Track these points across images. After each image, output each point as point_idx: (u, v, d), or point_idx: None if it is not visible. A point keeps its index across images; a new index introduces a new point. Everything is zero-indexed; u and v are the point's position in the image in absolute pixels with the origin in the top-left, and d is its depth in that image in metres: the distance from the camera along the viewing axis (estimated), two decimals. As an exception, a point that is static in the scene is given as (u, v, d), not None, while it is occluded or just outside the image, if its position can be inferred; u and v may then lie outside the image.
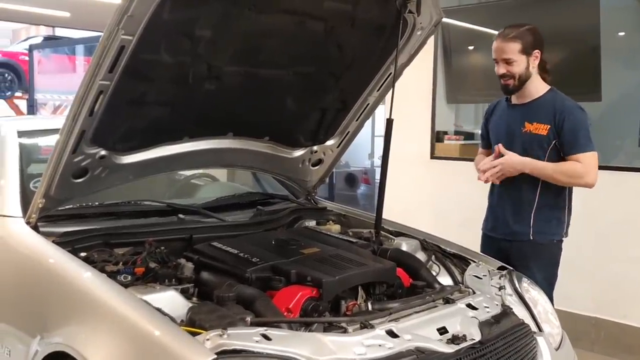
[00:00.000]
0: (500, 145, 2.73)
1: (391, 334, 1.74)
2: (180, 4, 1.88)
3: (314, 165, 2.90)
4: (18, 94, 11.11)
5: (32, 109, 9.85)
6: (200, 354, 1.49)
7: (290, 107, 2.54)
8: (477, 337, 1.86)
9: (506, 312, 2.08)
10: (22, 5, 9.41)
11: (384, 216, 2.67)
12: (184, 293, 1.90)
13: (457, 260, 2.48)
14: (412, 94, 4.51)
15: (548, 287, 2.68)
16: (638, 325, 3.75)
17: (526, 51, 2.67)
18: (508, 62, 2.67)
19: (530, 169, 2.67)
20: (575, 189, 2.79)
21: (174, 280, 1.97)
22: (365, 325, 1.76)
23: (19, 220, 2.16)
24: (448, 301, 2.04)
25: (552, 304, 2.63)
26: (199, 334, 1.58)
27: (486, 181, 2.76)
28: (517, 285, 2.30)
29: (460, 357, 1.76)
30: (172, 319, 1.66)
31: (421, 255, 2.49)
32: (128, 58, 1.84)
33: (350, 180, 8.61)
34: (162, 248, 2.15)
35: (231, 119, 2.46)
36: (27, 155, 2.58)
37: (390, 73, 2.56)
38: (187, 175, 3.19)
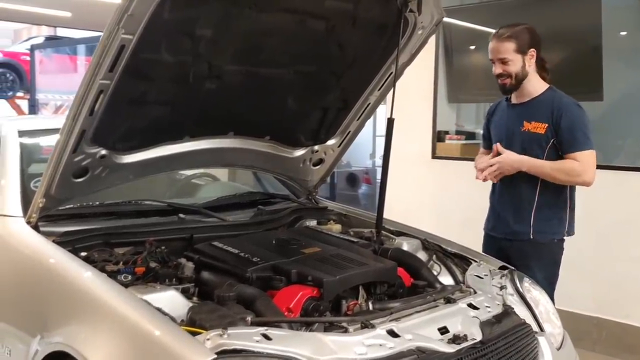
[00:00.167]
0: (497, 144, 2.74)
1: (392, 333, 1.74)
2: (181, 3, 1.87)
3: (315, 164, 2.89)
4: (20, 94, 11.13)
5: (34, 109, 9.86)
6: (201, 354, 1.49)
7: (291, 107, 2.54)
8: (478, 336, 1.86)
9: (507, 311, 2.08)
10: (24, 5, 9.41)
11: (385, 216, 2.66)
12: (185, 293, 1.89)
13: (458, 259, 2.48)
14: (413, 94, 4.51)
15: (549, 287, 2.67)
16: (640, 325, 3.75)
17: (521, 50, 2.67)
18: (504, 61, 2.68)
19: (528, 167, 2.67)
20: (577, 189, 2.78)
21: (174, 280, 1.97)
22: (366, 325, 1.75)
23: (20, 219, 2.16)
24: (449, 301, 2.03)
25: (553, 304, 2.63)
26: (199, 333, 1.58)
27: (484, 180, 2.77)
28: (518, 285, 2.30)
29: (461, 357, 1.76)
30: (173, 319, 1.66)
31: (422, 255, 2.48)
32: (128, 57, 1.83)
33: (351, 180, 8.60)
34: (163, 248, 2.14)
35: (232, 118, 2.45)
36: (27, 155, 2.59)
37: (392, 72, 2.56)
38: (188, 174, 3.19)
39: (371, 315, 1.83)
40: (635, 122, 4.04)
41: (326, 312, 1.89)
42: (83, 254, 2.03)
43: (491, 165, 2.71)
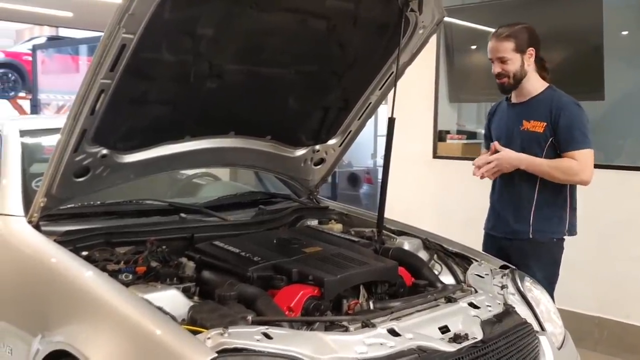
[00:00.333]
0: (495, 142, 2.75)
1: (393, 332, 1.74)
2: (182, 2, 1.88)
3: (316, 164, 2.90)
4: (21, 94, 11.14)
5: (36, 109, 9.87)
6: (201, 353, 1.49)
7: (292, 106, 2.54)
8: (479, 336, 1.86)
9: (508, 311, 2.08)
10: (25, 6, 9.43)
11: (386, 215, 2.66)
12: (186, 292, 1.89)
13: (459, 259, 2.47)
14: (414, 93, 4.51)
15: (548, 286, 2.67)
16: (641, 324, 3.75)
17: (520, 49, 2.68)
18: (502, 60, 2.69)
19: (526, 164, 2.67)
20: (578, 188, 2.78)
21: (175, 279, 1.97)
22: (367, 324, 1.76)
23: (21, 219, 2.16)
24: (450, 300, 2.03)
25: (553, 303, 2.63)
26: (200, 332, 1.58)
27: (481, 177, 2.77)
28: (519, 284, 2.29)
29: (462, 356, 1.76)
30: (173, 318, 1.66)
31: (423, 254, 2.48)
32: (129, 57, 1.83)
33: (352, 179, 8.61)
34: (164, 247, 2.15)
35: (233, 117, 2.46)
36: (29, 155, 2.59)
37: (393, 72, 2.56)
38: (189, 174, 3.19)
39: (372, 315, 1.83)
40: (637, 121, 4.03)
41: (327, 312, 1.89)
42: (84, 253, 2.03)
43: (489, 163, 2.71)
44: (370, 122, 2.88)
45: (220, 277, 1.98)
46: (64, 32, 12.67)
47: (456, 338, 1.80)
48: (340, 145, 2.86)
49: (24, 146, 2.56)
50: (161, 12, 1.81)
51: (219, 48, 2.12)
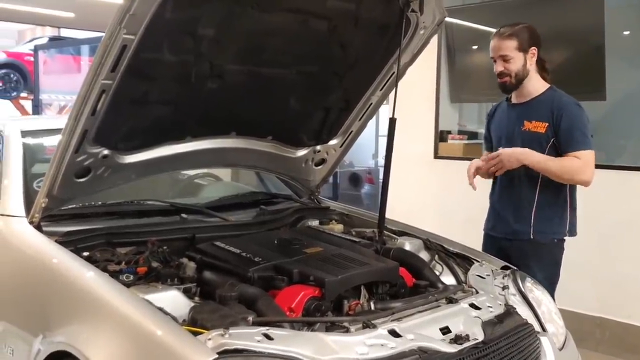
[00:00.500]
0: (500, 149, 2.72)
1: (393, 333, 1.74)
2: (183, 2, 1.87)
3: (317, 164, 2.90)
4: (23, 94, 11.15)
5: (37, 109, 9.88)
6: (202, 354, 1.49)
7: (293, 107, 2.54)
8: (480, 337, 1.86)
9: (509, 311, 2.08)
10: (27, 6, 9.44)
11: (387, 216, 2.66)
12: (186, 292, 1.89)
13: (460, 259, 2.47)
14: (415, 94, 4.51)
15: (549, 287, 2.66)
16: (643, 325, 3.74)
17: (523, 48, 2.67)
18: (505, 59, 2.68)
19: (530, 160, 2.64)
20: (579, 189, 2.78)
21: (176, 279, 1.97)
22: (368, 325, 1.75)
23: (22, 219, 2.16)
24: (451, 301, 2.03)
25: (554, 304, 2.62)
26: (200, 333, 1.58)
27: (474, 186, 2.75)
28: (520, 284, 2.29)
29: (463, 357, 1.76)
30: (174, 319, 1.66)
31: (424, 255, 2.48)
32: (130, 57, 1.83)
33: (354, 179, 8.61)
34: (165, 247, 2.14)
35: (234, 118, 2.46)
36: (30, 155, 2.59)
37: (394, 72, 2.55)
38: (191, 174, 3.20)
39: (373, 315, 1.83)
40: (638, 122, 4.03)
41: (328, 312, 1.89)
42: (85, 253, 2.03)
43: (494, 158, 2.68)
44: (371, 122, 2.88)
45: (221, 278, 1.98)
46: (65, 33, 12.67)
47: (457, 339, 1.80)
48: (341, 146, 2.86)
49: (26, 147, 2.56)
50: (162, 13, 1.81)
51: (220, 48, 2.12)
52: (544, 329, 2.17)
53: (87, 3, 8.87)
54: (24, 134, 2.62)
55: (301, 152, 2.78)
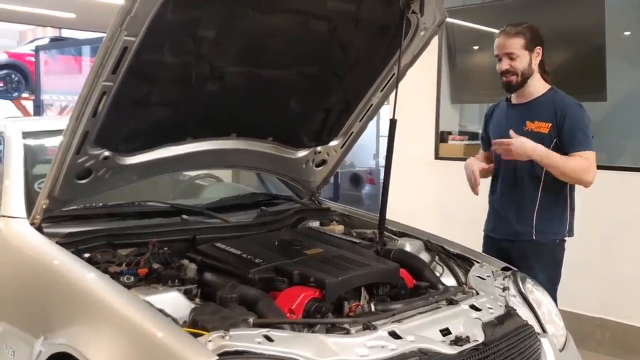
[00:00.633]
0: (511, 131, 2.64)
1: (394, 335, 1.74)
2: (183, 4, 1.88)
3: (317, 165, 2.90)
4: (25, 94, 11.17)
5: (39, 109, 9.89)
6: (202, 356, 1.49)
7: (293, 108, 2.54)
8: (481, 338, 1.86)
9: (510, 313, 2.08)
10: (28, 7, 9.45)
11: (388, 217, 2.67)
12: (187, 294, 1.89)
13: (460, 260, 2.47)
14: (416, 94, 4.51)
15: (551, 288, 2.67)
16: (643, 326, 3.74)
17: (529, 47, 2.67)
18: (511, 57, 2.67)
19: (540, 155, 2.59)
20: (579, 190, 2.78)
21: (177, 281, 1.97)
22: (368, 327, 1.75)
23: (23, 221, 2.17)
24: (451, 302, 2.03)
25: (556, 305, 2.62)
26: (201, 335, 1.58)
27: (477, 190, 2.75)
28: (521, 286, 2.29)
29: (463, 359, 1.76)
30: (175, 320, 1.67)
31: (425, 256, 2.47)
32: (131, 59, 1.84)
33: (355, 180, 8.61)
34: (166, 249, 2.15)
35: (234, 119, 2.46)
36: (31, 156, 2.59)
37: (394, 73, 2.56)
38: (192, 175, 3.20)
39: (373, 317, 1.83)
40: (638, 122, 4.03)
41: (328, 314, 1.89)
42: (86, 255, 2.03)
43: (506, 144, 2.59)
44: (372, 123, 2.89)
45: (222, 279, 1.98)
46: (67, 33, 12.69)
47: (457, 340, 1.80)
48: (341, 147, 2.86)
49: (27, 148, 2.56)
50: (163, 14, 1.81)
51: (220, 50, 2.12)
52: (544, 330, 2.17)
53: (87, 4, 8.88)
54: (25, 135, 2.62)
55: (302, 153, 2.78)
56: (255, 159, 2.68)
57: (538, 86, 2.74)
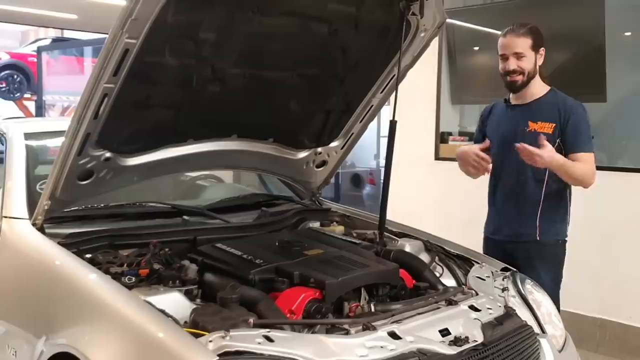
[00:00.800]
0: (541, 136, 2.58)
1: (393, 335, 1.75)
2: (184, 7, 1.89)
3: (318, 166, 2.91)
4: (27, 95, 11.19)
5: (41, 110, 9.92)
6: (203, 356, 1.51)
7: (294, 109, 2.55)
8: (480, 338, 1.86)
9: (509, 313, 2.08)
10: (30, 8, 9.46)
11: (388, 217, 2.67)
12: (188, 294, 1.90)
13: (460, 261, 2.48)
14: (416, 95, 4.51)
15: (555, 287, 2.68)
16: (643, 326, 3.75)
17: (535, 48, 2.68)
18: (519, 56, 2.66)
19: (558, 164, 2.57)
20: (580, 191, 2.78)
21: (177, 281, 1.97)
22: (368, 327, 1.76)
23: (25, 221, 2.18)
24: (451, 303, 2.03)
25: (559, 305, 2.63)
26: (201, 335, 1.59)
27: (483, 169, 2.73)
28: (520, 286, 2.30)
29: (463, 359, 1.76)
30: (176, 321, 1.68)
31: (425, 257, 2.48)
32: (132, 61, 1.85)
33: (355, 180, 8.61)
34: (167, 249, 2.16)
35: (235, 120, 2.47)
36: (33, 157, 2.61)
37: (394, 75, 2.57)
38: (193, 176, 3.21)
39: (373, 317, 1.84)
40: (639, 123, 4.03)
41: (328, 314, 1.90)
42: (88, 255, 2.04)
43: (536, 153, 2.52)
44: (373, 123, 2.89)
45: (223, 280, 1.99)
46: (69, 34, 12.71)
47: (457, 341, 1.81)
48: (342, 148, 2.87)
49: (29, 149, 2.58)
50: (164, 17, 1.83)
51: (221, 52, 2.13)
52: (543, 331, 2.17)
53: (89, 5, 8.89)
54: (27, 136, 2.64)
55: (302, 154, 2.79)
56: (256, 160, 2.69)
57: (539, 87, 2.75)
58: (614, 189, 3.75)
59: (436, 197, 4.73)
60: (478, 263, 2.45)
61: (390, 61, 2.54)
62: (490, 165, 2.74)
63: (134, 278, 1.94)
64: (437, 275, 2.34)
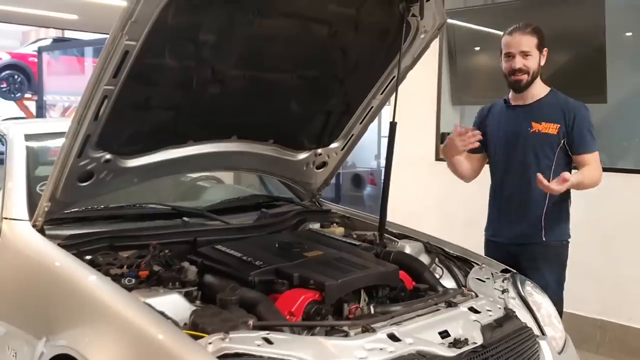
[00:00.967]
0: (566, 173, 2.52)
1: (393, 337, 1.75)
2: (184, 9, 1.89)
3: (318, 167, 2.91)
4: (27, 95, 11.20)
5: (41, 110, 9.93)
6: (202, 358, 1.51)
7: (294, 110, 2.55)
8: (479, 340, 1.87)
9: (509, 315, 2.08)
10: (31, 9, 9.48)
11: (389, 218, 2.67)
12: (188, 296, 1.91)
13: (460, 262, 2.48)
14: (417, 96, 4.51)
15: (559, 288, 2.68)
16: (644, 327, 3.74)
17: (540, 47, 2.68)
18: (526, 55, 2.65)
19: (572, 186, 2.57)
20: (579, 191, 2.78)
21: (177, 283, 1.97)
22: (367, 329, 1.76)
23: (26, 223, 2.18)
24: (450, 304, 2.03)
25: (563, 306, 2.63)
26: (201, 337, 1.59)
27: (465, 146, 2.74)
28: (520, 288, 2.30)
29: (462, 361, 1.77)
30: (175, 323, 1.68)
31: (425, 258, 2.48)
32: (132, 63, 1.85)
33: (356, 181, 8.61)
34: (166, 251, 2.16)
35: (235, 122, 2.47)
36: (33, 159, 2.61)
37: (394, 76, 2.57)
38: (193, 177, 3.21)
39: (372, 319, 1.84)
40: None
41: (328, 316, 1.90)
42: (88, 257, 2.04)
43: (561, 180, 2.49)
44: (373, 123, 2.89)
45: (222, 282, 1.99)
46: (69, 34, 12.73)
47: (456, 343, 1.81)
48: (342, 149, 2.87)
49: (29, 150, 2.58)
50: (164, 19, 1.83)
51: (221, 54, 2.13)
52: (543, 333, 2.17)
53: (90, 5, 8.89)
54: (27, 137, 2.64)
55: (302, 155, 2.80)
56: (256, 161, 2.69)
57: (540, 88, 2.75)
58: (615, 190, 3.74)
59: (436, 197, 4.73)
60: (478, 264, 2.45)
61: (390, 62, 2.54)
62: (478, 134, 2.70)
63: (133, 280, 1.95)
64: (437, 276, 2.34)
